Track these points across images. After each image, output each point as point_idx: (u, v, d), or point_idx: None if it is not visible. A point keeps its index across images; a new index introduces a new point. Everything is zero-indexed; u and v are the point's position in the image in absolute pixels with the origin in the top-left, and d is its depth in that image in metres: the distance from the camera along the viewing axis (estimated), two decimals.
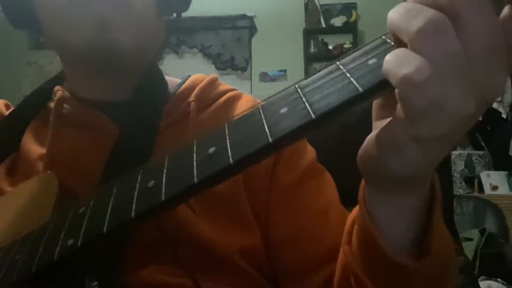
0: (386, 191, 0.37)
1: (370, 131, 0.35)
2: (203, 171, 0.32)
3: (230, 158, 0.31)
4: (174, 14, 0.64)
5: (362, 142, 0.34)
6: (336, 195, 0.59)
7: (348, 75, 0.29)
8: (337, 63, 0.30)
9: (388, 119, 0.31)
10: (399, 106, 0.27)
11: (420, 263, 0.37)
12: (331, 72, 0.30)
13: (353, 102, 0.28)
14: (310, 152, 0.60)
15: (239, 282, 0.52)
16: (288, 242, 0.55)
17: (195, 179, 0.32)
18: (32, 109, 0.63)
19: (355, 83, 0.28)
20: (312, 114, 0.27)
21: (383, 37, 0.29)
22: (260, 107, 0.32)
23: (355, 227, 0.43)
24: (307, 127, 0.28)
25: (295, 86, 0.31)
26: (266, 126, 0.30)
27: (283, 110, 0.30)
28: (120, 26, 0.52)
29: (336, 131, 0.77)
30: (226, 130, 0.33)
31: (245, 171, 0.33)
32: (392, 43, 0.28)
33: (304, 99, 0.29)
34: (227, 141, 0.32)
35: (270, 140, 0.29)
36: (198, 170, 0.32)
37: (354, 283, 0.43)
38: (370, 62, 0.28)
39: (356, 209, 0.46)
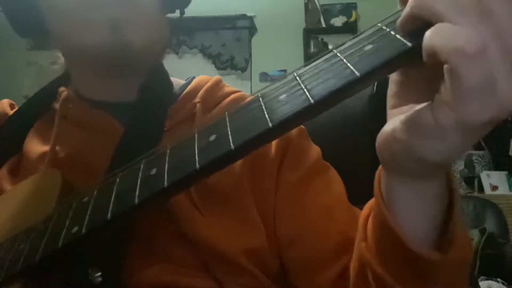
0: (409, 179, 0.35)
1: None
2: (205, 157, 0.33)
3: (231, 144, 0.31)
4: (177, 12, 0.65)
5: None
6: (342, 191, 0.59)
7: (345, 61, 0.29)
8: (334, 50, 0.31)
9: (407, 106, 0.30)
10: (444, 88, 0.27)
11: (443, 255, 0.36)
12: (328, 59, 0.31)
13: (350, 86, 0.28)
14: (315, 150, 0.61)
15: (244, 282, 0.52)
16: (296, 239, 0.55)
17: (197, 164, 0.33)
18: (35, 109, 0.63)
19: (352, 68, 0.28)
20: (310, 99, 0.28)
21: (379, 24, 0.30)
22: (259, 95, 0.33)
23: (371, 221, 0.42)
24: (306, 112, 0.29)
25: (294, 74, 0.32)
26: (265, 112, 0.31)
27: (282, 96, 0.31)
28: (131, 26, 0.53)
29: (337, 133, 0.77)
30: (227, 118, 0.34)
31: (246, 156, 0.33)
32: (388, 29, 0.29)
33: (302, 85, 0.30)
34: (228, 128, 0.33)
35: (270, 125, 0.30)
36: (200, 156, 0.33)
37: (373, 280, 0.42)
38: (366, 48, 0.29)
39: (369, 204, 0.46)
